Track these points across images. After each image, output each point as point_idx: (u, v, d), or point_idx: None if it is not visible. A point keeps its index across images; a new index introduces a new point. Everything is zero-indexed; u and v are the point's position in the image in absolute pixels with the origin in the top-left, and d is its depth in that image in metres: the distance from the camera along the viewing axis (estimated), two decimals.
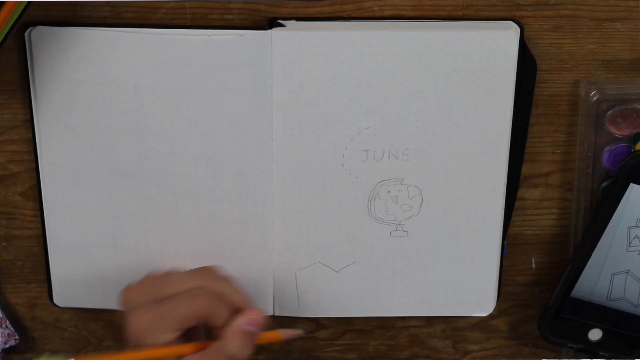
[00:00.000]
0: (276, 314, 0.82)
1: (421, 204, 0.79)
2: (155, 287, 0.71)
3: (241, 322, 0.70)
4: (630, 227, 0.78)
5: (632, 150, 0.77)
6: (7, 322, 0.83)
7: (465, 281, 0.81)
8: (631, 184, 0.76)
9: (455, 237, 0.80)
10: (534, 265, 0.84)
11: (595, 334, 0.82)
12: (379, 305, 0.82)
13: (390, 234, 0.80)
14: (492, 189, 0.78)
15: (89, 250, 0.80)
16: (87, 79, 0.74)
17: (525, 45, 0.75)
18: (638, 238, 0.78)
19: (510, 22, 0.74)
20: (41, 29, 0.73)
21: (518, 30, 0.74)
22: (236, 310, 0.71)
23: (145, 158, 0.76)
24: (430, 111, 0.76)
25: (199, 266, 0.74)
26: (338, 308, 0.82)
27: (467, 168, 0.78)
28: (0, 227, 0.81)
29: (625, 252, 0.79)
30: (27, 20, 0.72)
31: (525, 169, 0.80)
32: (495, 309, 0.83)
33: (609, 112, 0.77)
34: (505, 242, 0.81)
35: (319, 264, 0.80)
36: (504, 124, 0.76)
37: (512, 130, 0.77)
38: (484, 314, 0.83)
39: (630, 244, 0.78)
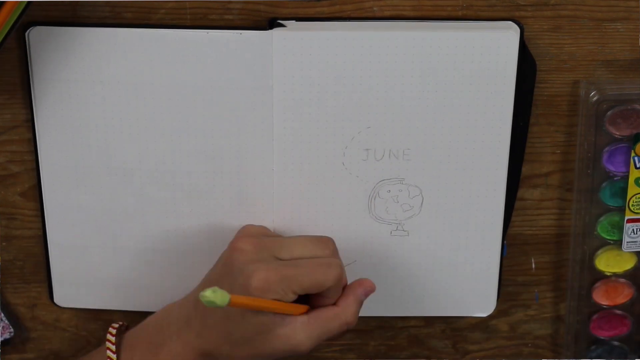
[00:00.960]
0: None
1: (421, 203, 0.79)
2: (271, 246, 0.71)
3: (360, 292, 0.73)
4: None
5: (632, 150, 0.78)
6: (2, 315, 0.82)
7: (465, 281, 0.81)
8: None
9: (456, 237, 0.80)
10: (533, 266, 0.84)
11: None
12: (378, 305, 0.82)
13: (391, 233, 0.80)
14: (493, 189, 0.78)
15: (89, 250, 0.80)
16: (87, 78, 0.74)
17: (525, 46, 0.75)
18: None
19: (510, 22, 0.74)
20: (41, 29, 0.73)
21: (518, 30, 0.74)
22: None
23: (145, 157, 0.76)
24: (430, 111, 0.76)
25: (224, 256, 0.73)
26: None
27: (468, 168, 0.77)
28: (0, 227, 0.81)
29: None
30: (26, 20, 0.72)
31: (525, 169, 0.80)
32: (495, 309, 0.83)
33: (609, 113, 0.77)
34: (505, 242, 0.81)
35: None
36: (504, 124, 0.76)
37: (512, 130, 0.77)
38: (484, 314, 0.83)
39: None
